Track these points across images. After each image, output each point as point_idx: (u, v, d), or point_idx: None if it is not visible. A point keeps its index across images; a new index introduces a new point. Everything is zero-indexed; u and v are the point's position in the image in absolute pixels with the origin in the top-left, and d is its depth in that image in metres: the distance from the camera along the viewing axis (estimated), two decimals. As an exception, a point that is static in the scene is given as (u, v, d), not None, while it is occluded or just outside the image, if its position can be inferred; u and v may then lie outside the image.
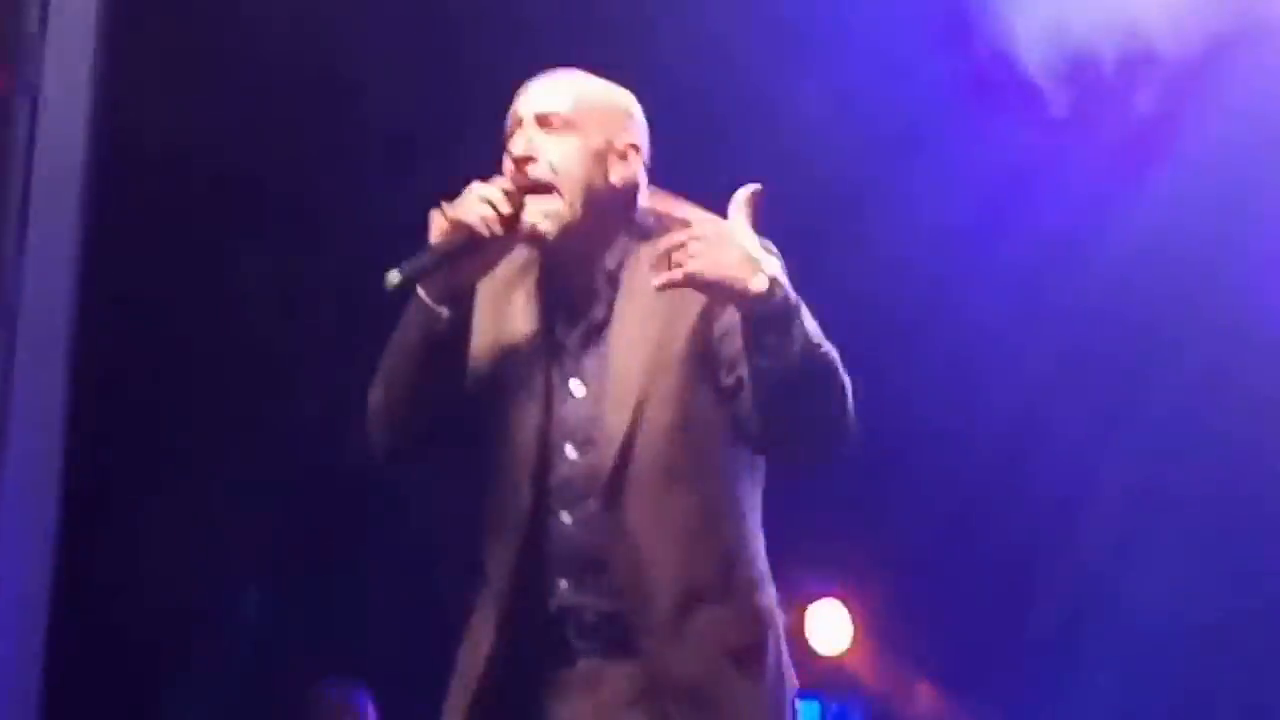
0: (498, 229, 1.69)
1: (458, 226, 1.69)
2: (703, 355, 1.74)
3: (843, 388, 1.62)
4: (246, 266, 4.44)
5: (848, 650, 4.85)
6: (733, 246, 1.53)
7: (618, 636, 1.73)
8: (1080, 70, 4.00)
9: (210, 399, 4.39)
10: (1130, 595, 4.48)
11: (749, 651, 1.70)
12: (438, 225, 1.72)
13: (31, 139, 3.07)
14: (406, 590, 4.34)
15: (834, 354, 1.61)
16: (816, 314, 1.62)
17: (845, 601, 4.80)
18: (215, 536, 4.46)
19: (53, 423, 3.46)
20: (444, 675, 1.77)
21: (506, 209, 1.69)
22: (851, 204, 4.14)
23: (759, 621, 1.71)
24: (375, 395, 1.78)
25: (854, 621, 4.82)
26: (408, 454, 1.85)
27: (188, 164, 3.93)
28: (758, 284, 1.49)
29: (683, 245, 1.53)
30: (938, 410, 4.43)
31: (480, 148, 1.87)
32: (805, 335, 1.55)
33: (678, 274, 1.53)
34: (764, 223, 1.60)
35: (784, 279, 1.59)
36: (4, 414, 3.30)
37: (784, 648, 1.78)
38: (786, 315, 1.54)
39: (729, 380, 1.70)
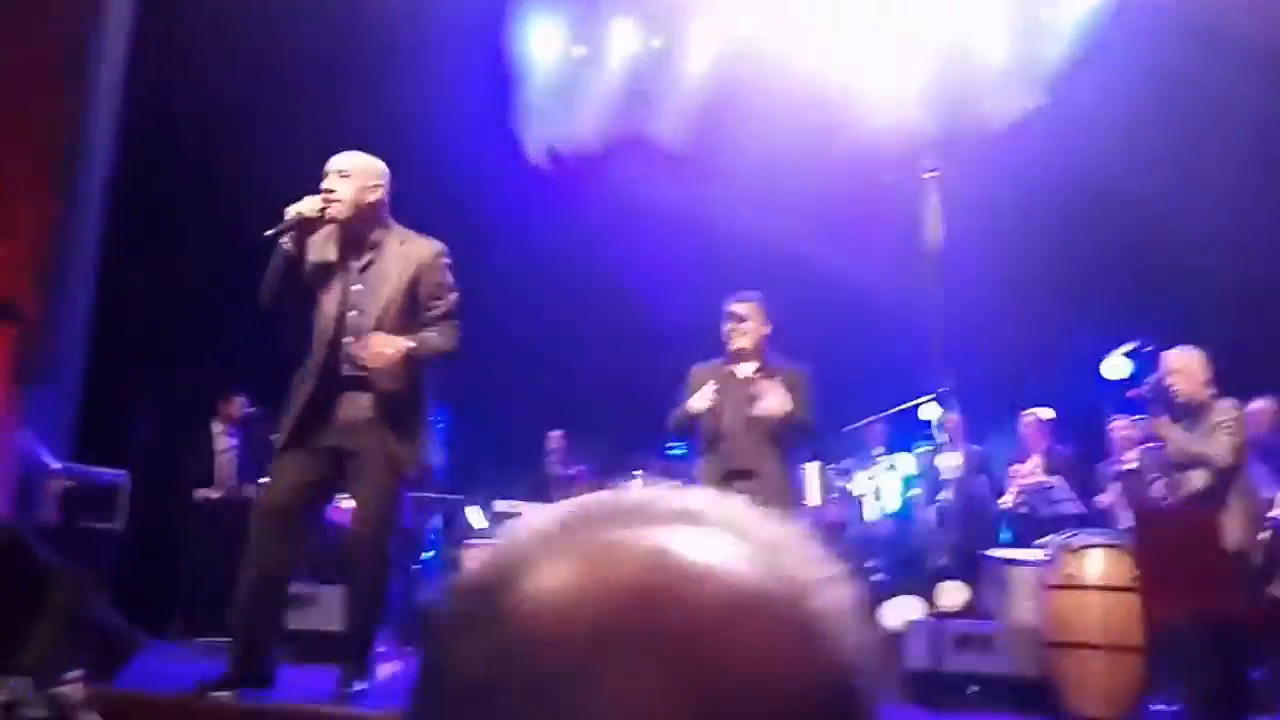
0: (316, 215, 3.91)
1: (298, 213, 3.90)
2: (415, 289, 4.01)
3: (447, 354, 4.07)
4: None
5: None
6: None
7: (369, 386, 3.94)
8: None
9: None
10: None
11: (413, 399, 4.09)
12: (290, 211, 3.89)
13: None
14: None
15: (439, 341, 4.04)
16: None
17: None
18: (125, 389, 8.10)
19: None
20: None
21: (321, 207, 3.92)
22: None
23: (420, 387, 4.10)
24: (262, 288, 4.05)
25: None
26: (277, 312, 4.10)
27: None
28: None
29: None
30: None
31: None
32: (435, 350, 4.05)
33: None
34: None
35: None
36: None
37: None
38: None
39: (427, 306, 4.04)
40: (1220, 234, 8.19)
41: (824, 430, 6.78)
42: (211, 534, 7.54)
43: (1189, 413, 5.55)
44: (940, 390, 7.09)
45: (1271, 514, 6.02)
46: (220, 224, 8.30)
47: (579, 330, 9.39)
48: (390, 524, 4.01)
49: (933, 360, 7.48)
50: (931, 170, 4.07)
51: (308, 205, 3.96)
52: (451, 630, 0.57)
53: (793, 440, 5.59)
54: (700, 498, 0.61)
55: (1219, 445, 5.34)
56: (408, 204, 7.71)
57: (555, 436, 9.17)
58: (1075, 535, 5.51)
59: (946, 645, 5.87)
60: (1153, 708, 5.53)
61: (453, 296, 4.19)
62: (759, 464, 5.31)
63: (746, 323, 5.26)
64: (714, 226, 8.91)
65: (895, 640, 6.31)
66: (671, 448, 8.18)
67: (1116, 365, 6.59)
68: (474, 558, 7.65)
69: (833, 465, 7.44)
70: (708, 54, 9.03)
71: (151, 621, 6.69)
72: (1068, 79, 8.40)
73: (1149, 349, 6.16)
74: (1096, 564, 5.30)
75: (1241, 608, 5.00)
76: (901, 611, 6.44)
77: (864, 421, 7.44)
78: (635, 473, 8.76)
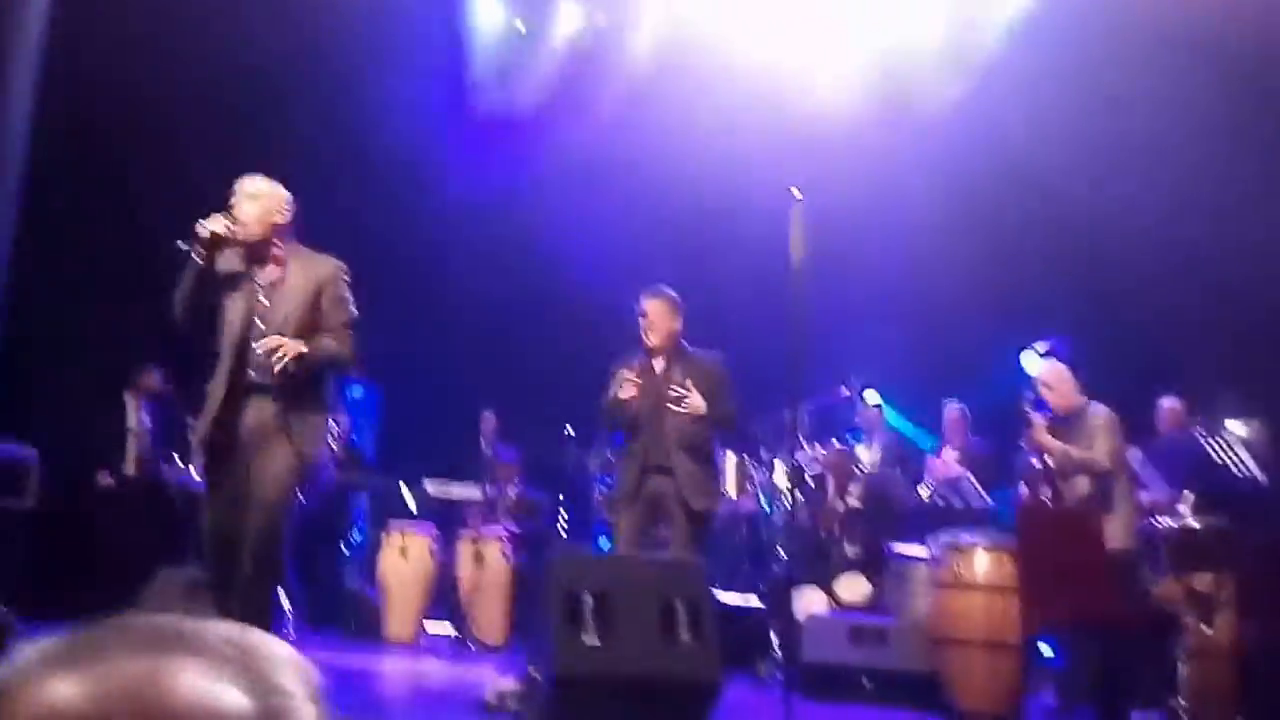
0: (225, 234, 4.23)
1: (210, 232, 4.22)
2: (316, 303, 4.33)
3: (342, 360, 4.44)
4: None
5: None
6: None
7: (273, 394, 4.25)
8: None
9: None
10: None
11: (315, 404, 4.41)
12: (200, 228, 4.21)
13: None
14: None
15: (334, 347, 4.34)
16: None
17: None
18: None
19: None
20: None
21: (230, 226, 4.24)
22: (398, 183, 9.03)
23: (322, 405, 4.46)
24: (174, 300, 4.33)
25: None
26: (185, 324, 4.37)
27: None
28: None
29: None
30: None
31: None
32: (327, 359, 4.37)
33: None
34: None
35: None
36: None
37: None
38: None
39: (327, 318, 4.36)
40: (1144, 227, 8.25)
41: (744, 421, 6.94)
42: (126, 512, 7.53)
43: (1065, 421, 5.64)
44: (852, 382, 7.19)
45: (1172, 513, 6.13)
46: (134, 198, 8.36)
47: (514, 310, 9.43)
48: (283, 525, 4.23)
49: (844, 357, 7.64)
50: (796, 191, 4.09)
51: (218, 224, 4.26)
52: None
53: (718, 433, 5.79)
54: (202, 626, 0.67)
55: (1099, 451, 5.44)
56: (345, 184, 7.63)
57: (488, 417, 9.19)
58: (961, 534, 5.59)
59: (843, 639, 5.98)
60: (1038, 703, 5.65)
61: (351, 309, 4.49)
62: (676, 460, 5.50)
63: (656, 321, 5.51)
64: (654, 206, 8.99)
65: (798, 632, 6.42)
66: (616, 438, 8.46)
67: (1031, 362, 6.67)
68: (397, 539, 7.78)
69: (752, 458, 7.51)
70: (649, 32, 9.13)
71: (66, 602, 6.74)
72: (996, 68, 8.46)
73: (1061, 349, 6.25)
74: (981, 564, 5.40)
75: (1122, 609, 5.09)
76: (805, 604, 6.53)
77: (786, 412, 7.48)
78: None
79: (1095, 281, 8.57)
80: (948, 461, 7.68)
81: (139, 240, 8.24)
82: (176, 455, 7.91)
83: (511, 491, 8.71)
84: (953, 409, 8.11)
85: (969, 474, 7.21)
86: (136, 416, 8.01)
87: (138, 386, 8.04)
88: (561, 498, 8.91)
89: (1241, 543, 4.39)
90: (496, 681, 4.26)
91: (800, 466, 7.37)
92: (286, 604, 6.28)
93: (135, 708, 0.59)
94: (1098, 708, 5.10)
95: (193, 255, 4.28)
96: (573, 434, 8.80)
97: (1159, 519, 5.63)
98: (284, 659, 0.67)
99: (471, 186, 9.11)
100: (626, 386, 5.43)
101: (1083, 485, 5.52)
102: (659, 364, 5.59)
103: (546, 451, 8.91)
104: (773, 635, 6.62)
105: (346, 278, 4.52)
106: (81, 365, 8.05)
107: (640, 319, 5.54)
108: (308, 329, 4.41)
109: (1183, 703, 4.33)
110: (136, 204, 8.29)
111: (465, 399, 9.22)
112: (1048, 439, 5.58)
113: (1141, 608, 5.03)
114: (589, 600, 3.85)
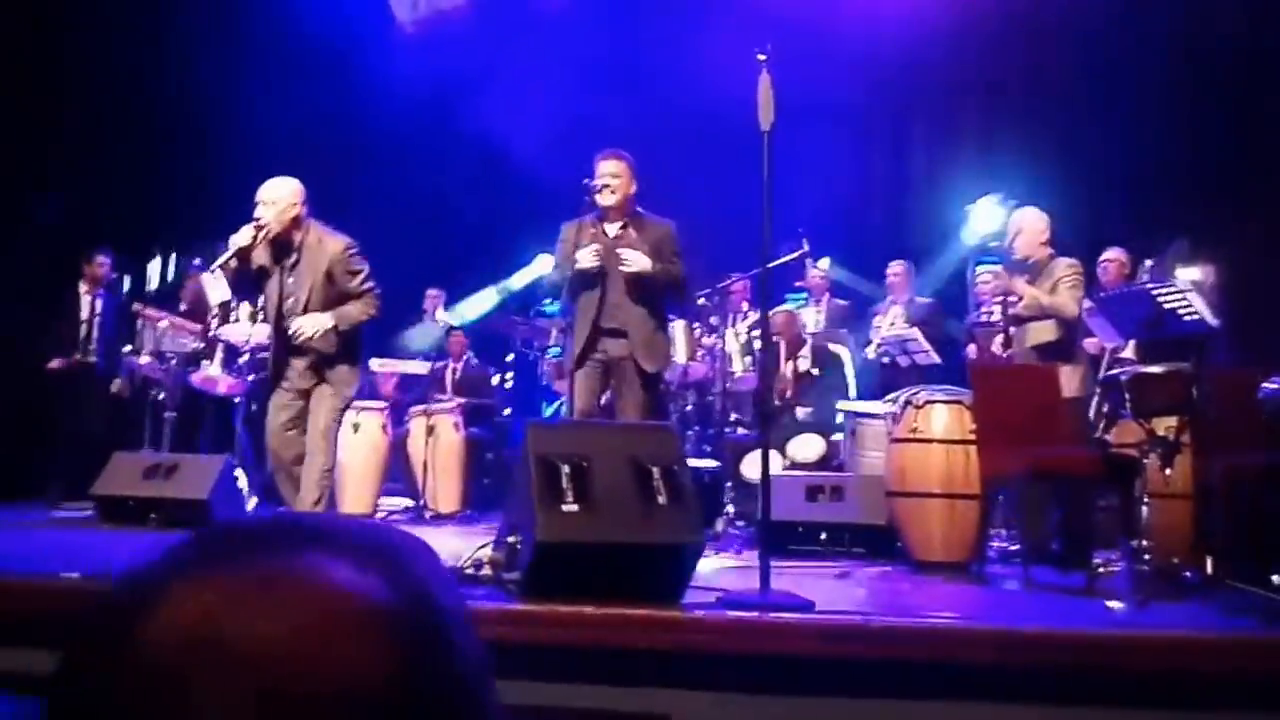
0: (250, 242, 5.30)
1: (236, 243, 5.32)
2: (331, 277, 5.34)
3: (365, 320, 5.51)
4: None
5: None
6: None
7: (303, 353, 5.38)
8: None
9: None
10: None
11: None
12: (232, 241, 5.30)
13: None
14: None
15: (356, 312, 5.45)
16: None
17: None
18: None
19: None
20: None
21: (254, 235, 5.30)
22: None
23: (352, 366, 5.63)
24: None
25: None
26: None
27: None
28: None
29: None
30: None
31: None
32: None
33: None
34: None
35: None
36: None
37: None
38: None
39: (345, 290, 5.37)
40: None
41: (696, 288, 6.96)
42: (82, 400, 7.59)
43: (1028, 270, 5.69)
44: (802, 249, 7.18)
45: (1121, 357, 6.26)
46: (77, 79, 8.11)
47: (461, 188, 9.36)
48: (334, 438, 5.44)
49: (795, 222, 7.62)
50: (762, 54, 4.01)
51: (244, 237, 5.24)
52: (87, 646, 0.59)
53: (666, 296, 5.78)
54: (332, 521, 0.66)
55: (1066, 298, 5.53)
56: (283, 71, 7.41)
57: (434, 294, 9.12)
58: (919, 391, 5.66)
59: (799, 497, 6.08)
60: (997, 548, 5.81)
61: (362, 278, 5.38)
62: (628, 322, 5.58)
63: (615, 181, 5.51)
64: (582, 82, 8.84)
65: (754, 491, 6.50)
66: (542, 305, 8.60)
67: (988, 213, 6.68)
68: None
69: (702, 324, 7.52)
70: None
71: (24, 491, 6.74)
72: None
73: (1014, 203, 6.29)
74: (939, 418, 5.48)
75: (1078, 458, 5.20)
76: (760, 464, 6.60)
77: (732, 279, 7.48)
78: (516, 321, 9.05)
79: (1042, 140, 8.61)
80: (894, 321, 7.75)
81: (88, 123, 8.12)
82: (128, 344, 7.87)
83: (459, 365, 8.70)
84: (897, 267, 8.17)
85: (917, 332, 7.28)
86: (90, 305, 7.95)
87: (89, 274, 7.97)
88: (509, 377, 8.96)
89: (1199, 385, 4.48)
90: (475, 551, 4.28)
91: (757, 330, 7.40)
92: (244, 482, 6.27)
93: (283, 604, 0.58)
94: (1060, 552, 5.26)
95: (225, 268, 5.36)
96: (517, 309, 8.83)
97: (1117, 367, 5.74)
98: (418, 549, 0.67)
99: (402, 72, 8.88)
100: (588, 256, 5.43)
101: (1046, 333, 5.61)
102: (612, 227, 5.59)
103: (492, 326, 9.04)
104: (728, 495, 6.74)
105: (354, 252, 5.39)
106: (32, 254, 7.92)
107: (595, 181, 5.51)
108: (330, 300, 5.34)
109: (1144, 543, 4.45)
110: (84, 84, 8.10)
111: (410, 278, 9.05)
112: (1020, 283, 5.64)
113: (1100, 454, 5.15)
114: (565, 468, 3.84)
